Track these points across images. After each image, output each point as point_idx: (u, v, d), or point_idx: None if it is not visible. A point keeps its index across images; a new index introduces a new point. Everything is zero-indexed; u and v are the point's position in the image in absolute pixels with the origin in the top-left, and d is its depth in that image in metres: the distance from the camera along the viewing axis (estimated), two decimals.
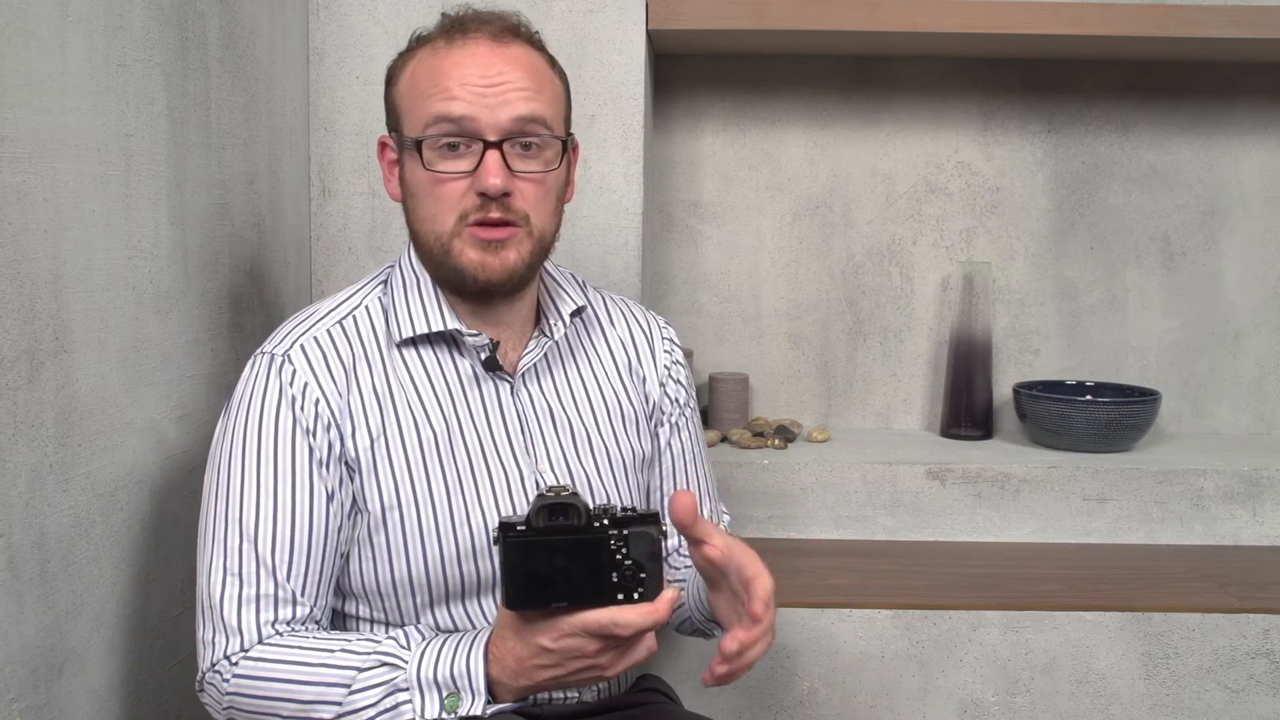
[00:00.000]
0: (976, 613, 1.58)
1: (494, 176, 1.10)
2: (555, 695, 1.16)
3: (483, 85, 1.10)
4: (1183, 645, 1.57)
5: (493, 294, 1.16)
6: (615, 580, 0.97)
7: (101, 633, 1.16)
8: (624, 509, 0.99)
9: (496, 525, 0.98)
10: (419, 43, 1.16)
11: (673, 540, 1.31)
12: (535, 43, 1.17)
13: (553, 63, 1.18)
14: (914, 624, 1.57)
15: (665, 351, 1.32)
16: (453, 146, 1.11)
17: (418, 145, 1.11)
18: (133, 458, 1.21)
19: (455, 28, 1.14)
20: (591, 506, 0.98)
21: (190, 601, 1.33)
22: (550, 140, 1.14)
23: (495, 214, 1.11)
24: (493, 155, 1.10)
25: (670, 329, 1.35)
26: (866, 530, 1.85)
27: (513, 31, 1.15)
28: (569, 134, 1.18)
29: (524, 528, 0.97)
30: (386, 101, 1.19)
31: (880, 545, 1.82)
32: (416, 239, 1.17)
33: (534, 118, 1.12)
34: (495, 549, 0.99)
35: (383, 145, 1.20)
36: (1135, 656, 1.57)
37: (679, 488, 1.32)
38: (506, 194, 1.11)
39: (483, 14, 1.15)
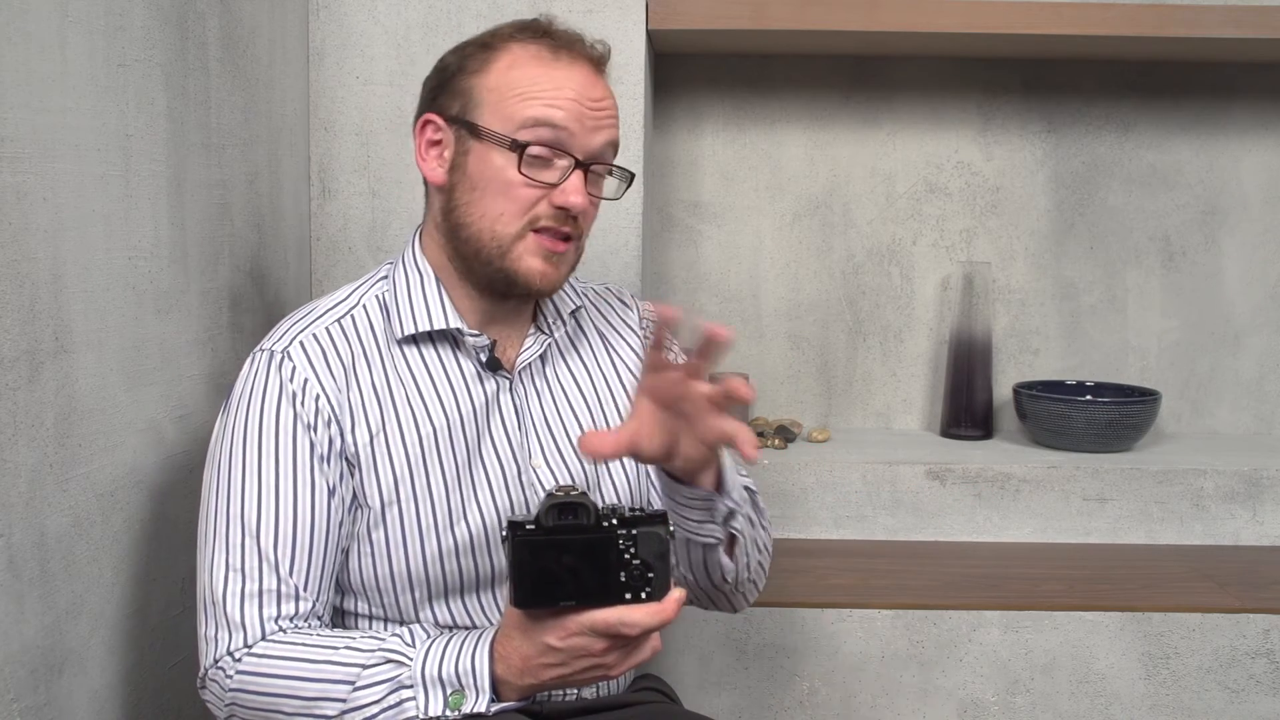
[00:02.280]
0: (976, 613, 1.58)
1: (578, 195, 1.13)
2: (555, 693, 1.16)
3: (587, 105, 1.13)
4: (1183, 645, 1.57)
5: (513, 296, 1.17)
6: (623, 580, 0.97)
7: (101, 633, 1.16)
8: (632, 509, 0.99)
9: (505, 523, 0.98)
10: (508, 39, 1.15)
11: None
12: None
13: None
14: (914, 624, 1.57)
15: (643, 319, 1.33)
16: (538, 156, 1.12)
17: (520, 148, 1.11)
18: (132, 458, 1.21)
19: (558, 39, 1.15)
20: (600, 506, 0.99)
21: (190, 601, 1.32)
22: (616, 173, 1.20)
23: (567, 228, 1.14)
24: (579, 175, 1.13)
25: (645, 303, 1.36)
26: (866, 530, 1.85)
27: (603, 64, 1.18)
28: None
29: (533, 526, 0.97)
30: (453, 85, 1.16)
31: (880, 545, 1.82)
32: (464, 231, 1.15)
33: (614, 153, 1.18)
34: (504, 547, 1.00)
35: (424, 124, 1.18)
36: (1135, 656, 1.58)
37: None
38: (582, 213, 1.14)
39: (575, 34, 1.17)
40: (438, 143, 1.17)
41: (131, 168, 1.19)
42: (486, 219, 1.14)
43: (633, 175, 1.22)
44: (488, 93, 1.14)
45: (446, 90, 1.17)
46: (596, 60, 1.17)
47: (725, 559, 1.13)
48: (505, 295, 1.17)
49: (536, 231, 1.13)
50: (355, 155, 1.73)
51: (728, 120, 2.04)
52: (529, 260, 1.14)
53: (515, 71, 1.13)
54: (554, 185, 1.12)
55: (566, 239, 1.15)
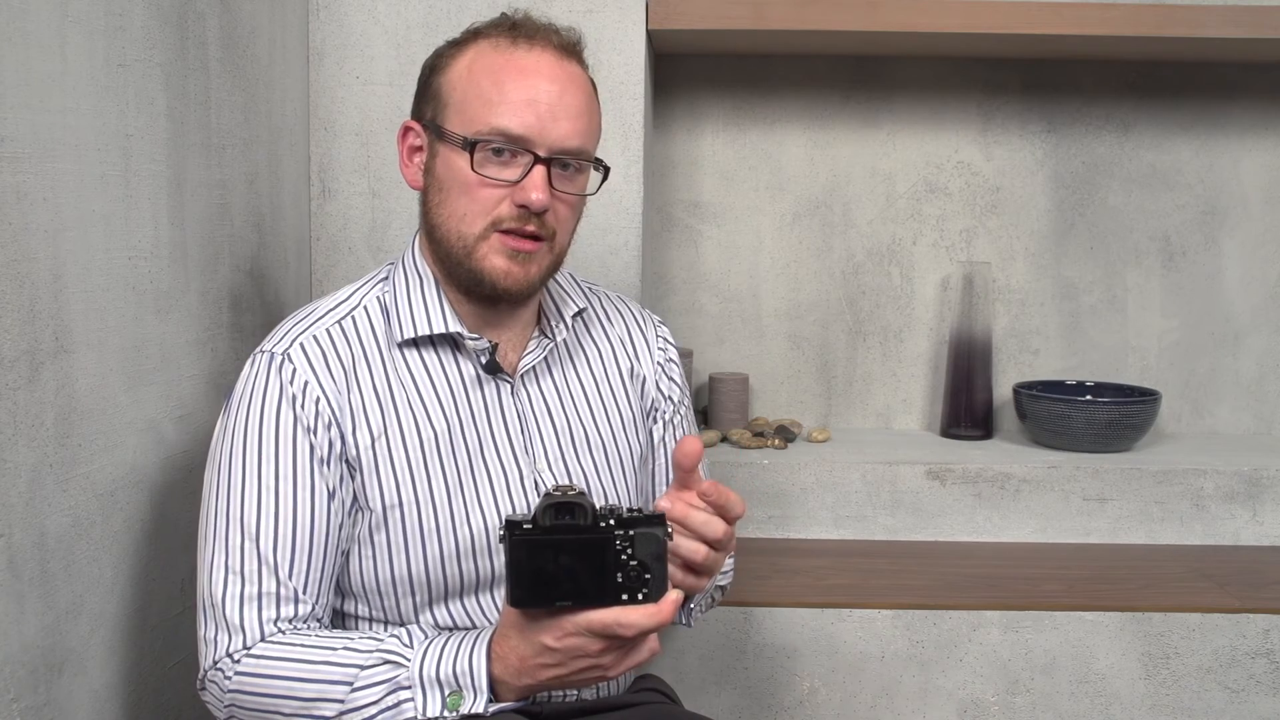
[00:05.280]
0: (976, 613, 1.58)
1: (539, 192, 1.11)
2: (554, 694, 1.16)
3: (544, 101, 1.11)
4: (1183, 645, 1.57)
5: (501, 300, 1.16)
6: (620, 580, 0.97)
7: (101, 633, 1.16)
8: (630, 509, 0.99)
9: (502, 523, 0.98)
10: (475, 35, 1.16)
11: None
12: (585, 65, 1.18)
13: (594, 87, 1.19)
14: (914, 624, 1.58)
15: (660, 349, 1.33)
16: (499, 152, 1.12)
17: (471, 146, 1.11)
18: (132, 458, 1.21)
19: (520, 30, 1.14)
20: (598, 506, 0.98)
21: (190, 601, 1.33)
22: (589, 167, 1.17)
23: (531, 227, 1.13)
24: (540, 171, 1.11)
25: (665, 327, 1.35)
26: (866, 530, 1.85)
27: (572, 49, 1.16)
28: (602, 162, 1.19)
29: (530, 526, 0.97)
30: (427, 88, 1.18)
31: (880, 545, 1.82)
32: (436, 233, 1.16)
33: (582, 147, 1.14)
34: (501, 546, 0.99)
35: (406, 130, 1.19)
36: (1135, 656, 1.58)
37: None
38: (544, 210, 1.12)
39: (544, 24, 1.16)
40: (419, 149, 1.18)
41: (131, 168, 1.19)
42: (452, 219, 1.14)
43: (608, 167, 1.20)
44: (451, 91, 1.15)
45: (424, 94, 1.19)
46: (561, 46, 1.14)
47: None
48: (492, 299, 1.17)
49: (502, 233, 1.13)
50: (355, 155, 1.73)
51: (728, 120, 2.04)
52: (493, 260, 1.13)
53: (476, 65, 1.13)
54: (514, 183, 1.12)
55: (534, 239, 1.13)
